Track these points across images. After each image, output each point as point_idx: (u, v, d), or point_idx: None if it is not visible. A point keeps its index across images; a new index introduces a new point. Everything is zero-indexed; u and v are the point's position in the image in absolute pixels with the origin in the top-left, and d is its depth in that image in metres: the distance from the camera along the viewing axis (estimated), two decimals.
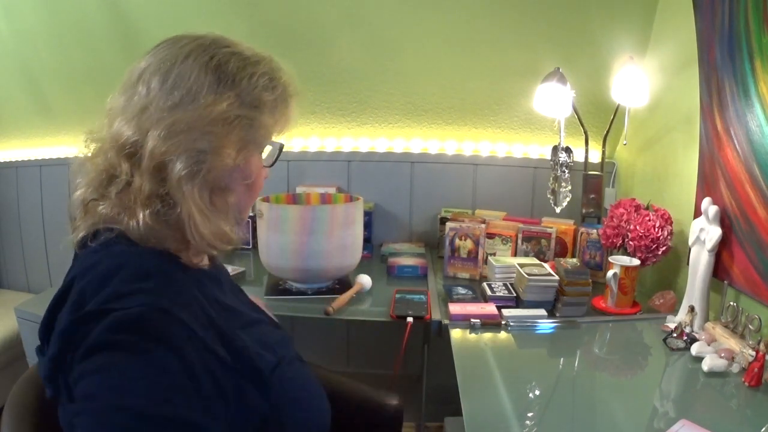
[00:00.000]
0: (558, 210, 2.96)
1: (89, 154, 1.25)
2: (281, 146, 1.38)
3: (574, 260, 2.53)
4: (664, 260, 2.50)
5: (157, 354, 0.98)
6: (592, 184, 2.99)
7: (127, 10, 3.15)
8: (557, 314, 2.35)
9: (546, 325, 2.27)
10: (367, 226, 3.38)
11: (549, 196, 3.02)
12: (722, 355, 1.91)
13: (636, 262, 2.43)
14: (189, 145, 1.16)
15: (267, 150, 1.37)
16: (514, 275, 2.58)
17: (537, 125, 3.29)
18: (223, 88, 1.20)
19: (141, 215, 1.14)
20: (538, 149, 3.38)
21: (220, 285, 1.37)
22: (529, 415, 1.63)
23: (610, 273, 2.42)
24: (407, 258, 3.05)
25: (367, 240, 3.24)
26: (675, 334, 2.12)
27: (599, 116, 3.12)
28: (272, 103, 1.28)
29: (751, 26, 2.01)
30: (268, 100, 1.27)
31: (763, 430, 1.55)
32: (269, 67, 1.29)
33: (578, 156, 3.01)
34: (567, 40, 3.00)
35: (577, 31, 2.97)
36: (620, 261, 2.42)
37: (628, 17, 2.88)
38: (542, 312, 2.33)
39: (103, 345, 0.97)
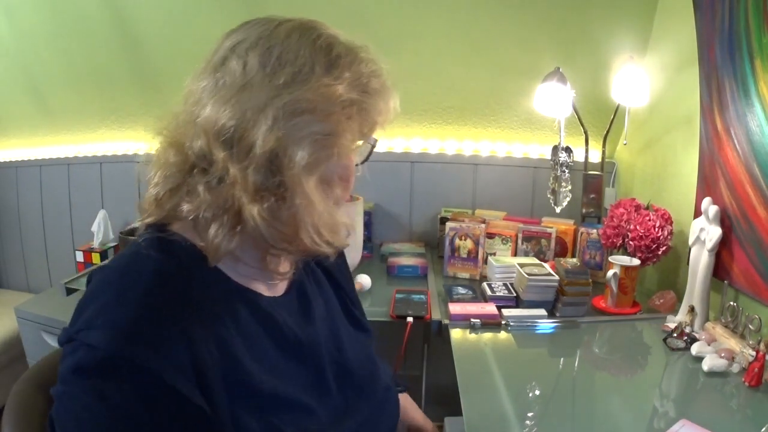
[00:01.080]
0: (558, 210, 2.96)
1: (159, 147, 1.10)
2: (375, 142, 1.26)
3: (574, 260, 2.53)
4: (664, 260, 2.50)
5: (113, 401, 0.87)
6: (592, 184, 2.98)
7: (127, 12, 3.16)
8: (557, 314, 2.35)
9: (546, 325, 2.27)
10: (367, 225, 3.37)
11: (549, 195, 3.01)
12: (722, 355, 1.91)
13: (636, 262, 2.43)
14: (315, 128, 1.04)
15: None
16: (514, 275, 2.58)
17: (537, 125, 3.29)
18: (335, 70, 1.07)
19: (253, 212, 1.00)
20: (538, 149, 3.38)
21: (272, 328, 1.15)
22: (529, 414, 1.63)
23: (610, 273, 2.42)
24: (407, 258, 3.04)
25: (367, 240, 3.24)
26: (675, 334, 2.12)
27: (599, 116, 3.12)
28: (379, 91, 1.14)
29: (751, 26, 2.01)
30: (375, 88, 1.13)
31: (763, 430, 1.56)
32: (371, 54, 1.16)
33: (578, 156, 3.01)
34: (567, 39, 3.00)
35: (578, 30, 2.96)
36: (620, 261, 2.42)
37: (628, 17, 2.88)
38: (542, 312, 2.33)
39: (66, 381, 0.90)
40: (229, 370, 1.00)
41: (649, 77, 2.74)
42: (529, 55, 3.06)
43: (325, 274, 1.42)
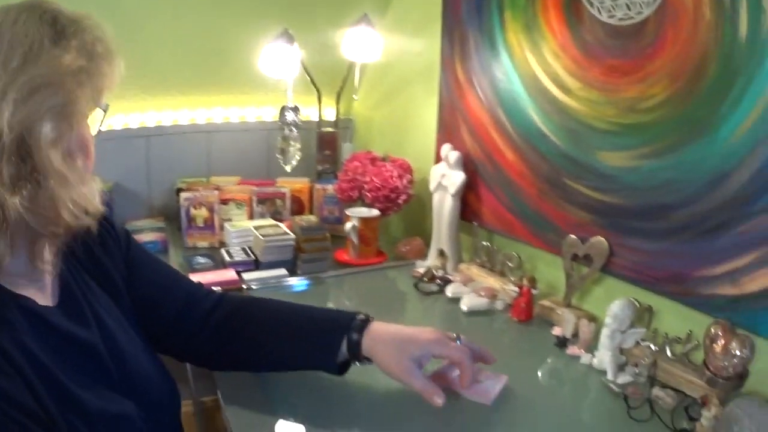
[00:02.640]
0: (288, 169, 2.89)
1: None
2: (107, 107, 1.19)
3: (311, 217, 2.49)
4: (408, 209, 2.53)
5: None
6: (327, 140, 2.97)
7: None
8: (299, 272, 2.29)
9: (290, 284, 2.20)
10: (108, 205, 3.11)
11: (278, 156, 2.92)
12: (482, 293, 1.92)
13: (375, 212, 2.43)
14: (52, 102, 0.99)
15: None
16: (252, 239, 2.48)
17: (269, 87, 3.13)
18: (62, 41, 1.03)
19: (16, 204, 0.95)
20: (272, 111, 3.26)
21: (51, 334, 1.07)
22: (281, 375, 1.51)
23: (348, 225, 2.40)
24: (147, 234, 2.86)
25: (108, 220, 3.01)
26: (426, 279, 2.13)
27: (332, 74, 3.02)
28: (103, 55, 1.11)
29: None
30: (100, 52, 1.10)
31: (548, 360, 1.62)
32: (94, 21, 1.12)
33: (313, 115, 3.01)
34: None
35: None
36: (358, 213, 2.42)
37: None
38: (283, 272, 2.26)
39: None
40: (38, 374, 0.97)
41: (388, 33, 2.73)
42: (258, 18, 2.94)
43: (93, 276, 1.29)
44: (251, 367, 1.50)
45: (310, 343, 1.40)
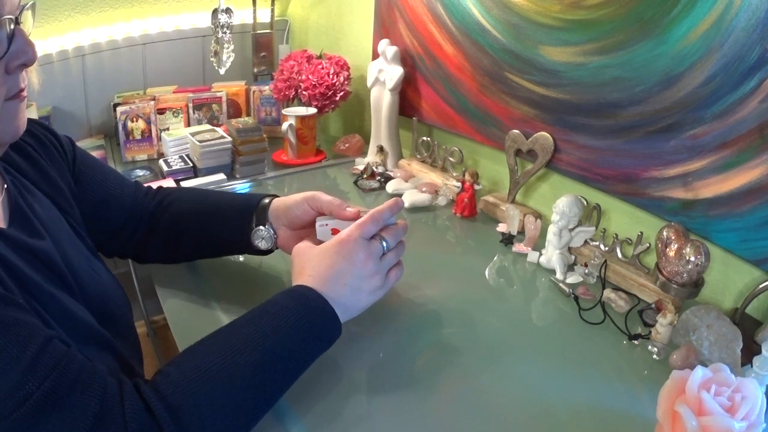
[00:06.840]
0: (222, 72, 2.60)
1: None
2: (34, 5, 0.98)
3: (247, 119, 2.22)
4: (347, 106, 2.36)
5: None
6: (262, 42, 2.73)
7: None
8: (237, 175, 2.08)
9: (229, 189, 1.95)
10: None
11: (212, 59, 2.63)
12: (424, 189, 1.77)
13: (312, 111, 2.18)
14: None
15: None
16: (189, 146, 2.20)
17: None
18: None
19: None
20: (207, 17, 2.82)
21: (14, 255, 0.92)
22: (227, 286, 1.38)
23: (285, 125, 2.16)
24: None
25: None
26: (365, 175, 1.95)
27: None
28: None
29: None
30: None
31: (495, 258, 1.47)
32: None
33: (248, 17, 2.73)
34: None
35: None
36: (295, 112, 2.17)
37: None
38: (221, 176, 2.02)
39: None
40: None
41: None
42: None
43: (39, 187, 1.13)
44: (179, 255, 1.41)
45: (225, 232, 1.31)
